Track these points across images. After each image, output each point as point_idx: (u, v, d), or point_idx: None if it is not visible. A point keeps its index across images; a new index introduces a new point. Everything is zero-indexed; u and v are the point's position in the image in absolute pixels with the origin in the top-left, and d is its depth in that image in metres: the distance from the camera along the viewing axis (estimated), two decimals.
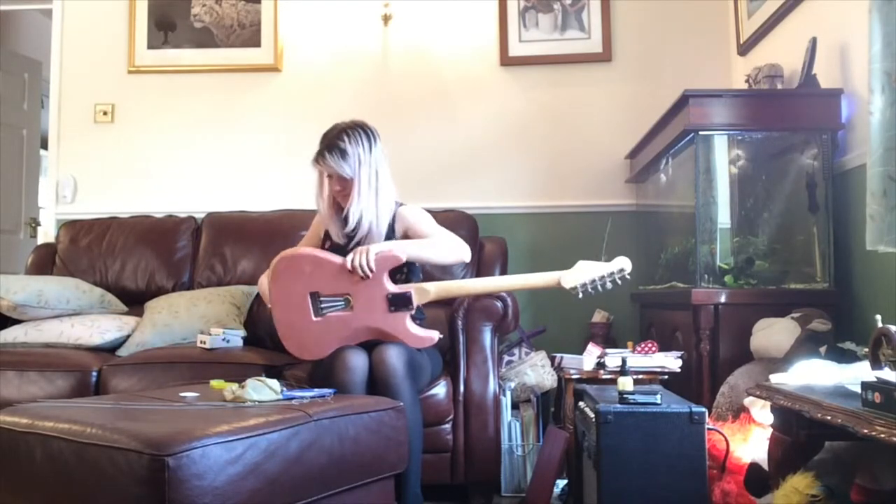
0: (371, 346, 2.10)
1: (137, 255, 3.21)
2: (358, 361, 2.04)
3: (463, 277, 3.00)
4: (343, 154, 2.18)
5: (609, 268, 2.12)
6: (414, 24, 3.59)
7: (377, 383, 2.02)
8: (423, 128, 3.55)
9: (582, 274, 2.12)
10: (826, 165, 2.46)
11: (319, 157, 2.21)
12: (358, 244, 2.23)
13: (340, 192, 2.24)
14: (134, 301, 3.07)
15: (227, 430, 1.41)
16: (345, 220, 2.25)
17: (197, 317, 2.82)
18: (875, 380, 1.34)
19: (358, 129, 2.24)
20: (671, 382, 2.34)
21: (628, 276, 2.12)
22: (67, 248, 3.27)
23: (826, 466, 1.66)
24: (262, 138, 3.65)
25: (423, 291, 2.15)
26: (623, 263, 2.12)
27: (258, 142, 3.65)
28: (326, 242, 2.37)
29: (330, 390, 1.90)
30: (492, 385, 2.44)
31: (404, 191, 2.45)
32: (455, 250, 2.24)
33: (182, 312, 2.85)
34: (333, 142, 2.21)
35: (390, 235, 2.28)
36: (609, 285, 2.11)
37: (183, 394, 1.84)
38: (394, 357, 2.04)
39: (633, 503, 1.73)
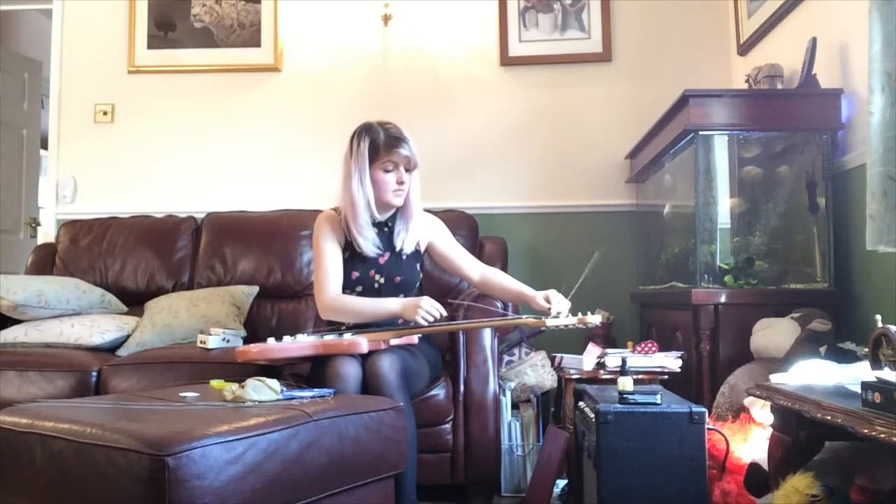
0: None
1: (137, 255, 3.21)
2: (350, 370, 2.00)
3: (459, 282, 2.99)
4: (412, 144, 2.24)
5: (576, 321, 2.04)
6: (414, 24, 3.59)
7: (370, 392, 1.99)
8: (424, 128, 3.55)
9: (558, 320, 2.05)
10: (826, 165, 2.46)
11: (403, 145, 2.21)
12: (392, 245, 2.27)
13: (404, 185, 2.24)
14: (134, 301, 3.07)
15: (227, 430, 1.41)
16: (377, 224, 2.27)
17: (197, 317, 2.82)
18: (875, 380, 1.34)
19: None
20: (671, 382, 2.34)
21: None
22: (67, 248, 3.28)
23: (826, 466, 1.65)
24: (262, 138, 3.65)
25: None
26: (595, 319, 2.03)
27: (258, 142, 3.65)
28: (346, 252, 2.27)
29: (330, 390, 1.90)
30: (492, 385, 2.43)
31: None
32: None
33: (182, 312, 2.85)
34: (402, 133, 2.24)
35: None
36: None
37: (183, 394, 1.84)
38: (386, 366, 2.00)
39: (633, 503, 1.73)
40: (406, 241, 2.28)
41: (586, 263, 3.42)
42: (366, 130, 2.24)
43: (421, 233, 2.34)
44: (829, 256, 2.44)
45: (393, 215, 2.31)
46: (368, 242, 2.23)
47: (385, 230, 2.30)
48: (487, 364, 2.44)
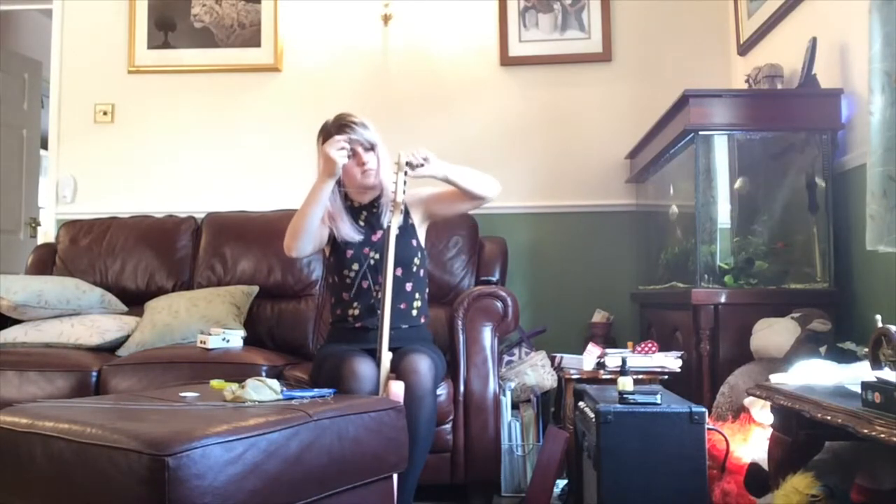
0: (392, 352, 2.06)
1: (137, 255, 3.21)
2: (367, 369, 2.00)
3: (464, 277, 3.00)
4: (364, 126, 2.22)
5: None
6: (414, 24, 3.59)
7: (406, 390, 1.97)
8: (423, 128, 3.55)
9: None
10: (826, 165, 2.46)
11: (346, 130, 2.18)
12: (381, 224, 2.24)
13: (366, 165, 2.21)
14: (134, 301, 3.08)
15: (227, 430, 1.41)
16: (364, 208, 2.27)
17: (197, 317, 2.82)
18: (875, 380, 1.34)
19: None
20: (671, 382, 2.35)
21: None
22: (67, 248, 3.28)
23: (826, 466, 1.65)
24: (263, 138, 3.65)
25: None
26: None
27: (258, 142, 3.65)
28: (327, 250, 2.29)
29: (330, 390, 1.90)
30: (492, 385, 2.44)
31: None
32: (487, 181, 2.29)
33: (182, 312, 2.85)
34: (349, 119, 2.22)
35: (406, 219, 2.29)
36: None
37: (183, 394, 1.84)
38: (425, 367, 2.01)
39: (633, 503, 1.73)
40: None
41: (587, 263, 3.45)
42: (321, 130, 2.26)
43: (409, 201, 2.29)
44: (829, 256, 2.44)
45: (377, 196, 2.29)
46: (346, 226, 2.23)
47: (374, 211, 2.29)
48: (487, 364, 2.45)
